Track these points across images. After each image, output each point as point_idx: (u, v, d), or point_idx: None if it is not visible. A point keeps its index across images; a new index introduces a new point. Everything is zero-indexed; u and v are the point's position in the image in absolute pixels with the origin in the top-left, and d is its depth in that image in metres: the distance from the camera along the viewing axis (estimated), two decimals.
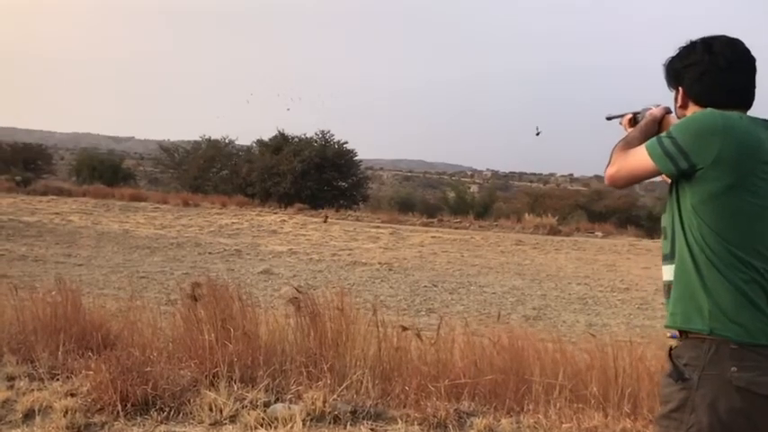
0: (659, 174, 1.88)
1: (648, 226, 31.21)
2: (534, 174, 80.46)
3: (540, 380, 3.39)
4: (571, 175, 77.07)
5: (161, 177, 42.77)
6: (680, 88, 1.96)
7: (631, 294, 13.90)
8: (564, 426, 3.00)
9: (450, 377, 3.44)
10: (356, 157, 36.40)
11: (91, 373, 3.50)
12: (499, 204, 35.41)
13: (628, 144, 1.98)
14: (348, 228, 22.53)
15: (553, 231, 25.50)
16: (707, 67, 1.89)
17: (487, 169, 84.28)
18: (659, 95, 2.12)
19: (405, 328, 3.82)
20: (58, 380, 3.80)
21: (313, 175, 33.51)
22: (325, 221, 14.14)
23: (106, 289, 10.49)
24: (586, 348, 3.99)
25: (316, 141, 35.57)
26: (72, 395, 3.54)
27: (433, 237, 21.70)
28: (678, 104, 1.98)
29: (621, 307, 12.39)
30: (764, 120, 1.87)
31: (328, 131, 35.84)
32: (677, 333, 1.87)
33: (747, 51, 1.91)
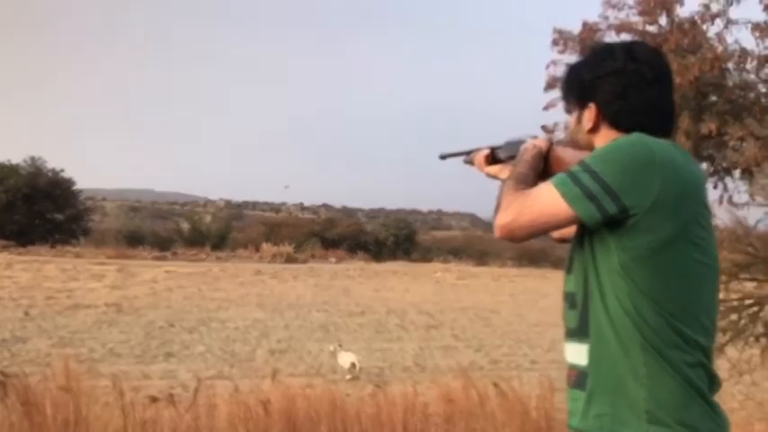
0: (574, 222, 1.40)
1: (375, 251, 33.15)
2: (267, 203, 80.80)
3: None
4: (301, 204, 78.97)
5: None
6: (591, 105, 1.50)
7: (367, 318, 14.44)
8: None
9: None
10: (75, 187, 32.84)
11: None
12: (235, 234, 34.59)
13: (521, 183, 1.48)
14: (66, 266, 20.00)
15: (290, 259, 25.71)
16: (631, 79, 1.46)
17: (220, 198, 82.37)
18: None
19: (154, 399, 3.11)
20: None
21: (21, 208, 29.38)
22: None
23: None
24: (362, 396, 3.64)
25: (23, 169, 31.30)
26: None
27: (166, 271, 20.26)
28: (588, 127, 1.52)
29: (360, 331, 12.78)
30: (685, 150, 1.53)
31: (39, 158, 31.83)
32: None
33: (669, 64, 1.54)
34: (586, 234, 1.42)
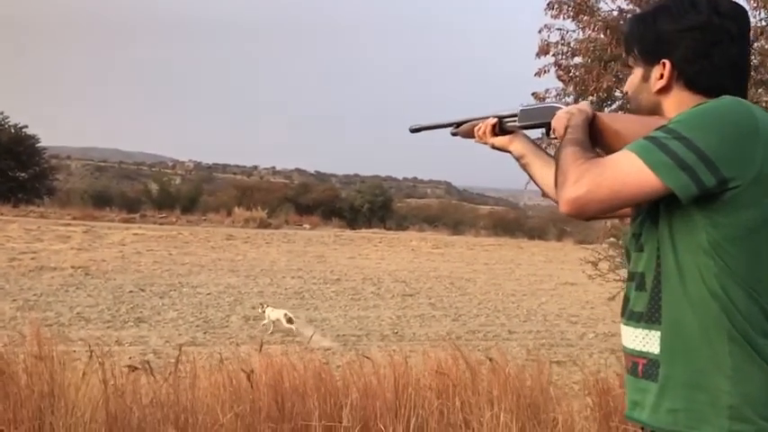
0: (664, 193, 1.20)
1: (351, 218, 33.03)
2: (238, 166, 79.98)
3: (319, 424, 2.80)
4: (273, 167, 78.35)
5: None
6: (666, 62, 1.32)
7: (343, 285, 14.34)
8: None
9: None
10: (39, 144, 31.91)
11: None
12: (206, 197, 34.07)
13: (587, 151, 1.28)
14: (30, 226, 19.44)
15: (263, 225, 25.39)
16: (716, 35, 1.28)
17: (190, 160, 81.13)
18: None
19: (133, 368, 2.94)
20: None
21: None
22: None
23: None
24: (349, 366, 3.52)
25: None
26: None
27: (135, 234, 19.84)
28: (658, 86, 1.33)
29: (336, 299, 12.68)
30: None
31: (1, 113, 30.76)
32: None
33: (749, 18, 1.36)
34: (663, 208, 1.26)
